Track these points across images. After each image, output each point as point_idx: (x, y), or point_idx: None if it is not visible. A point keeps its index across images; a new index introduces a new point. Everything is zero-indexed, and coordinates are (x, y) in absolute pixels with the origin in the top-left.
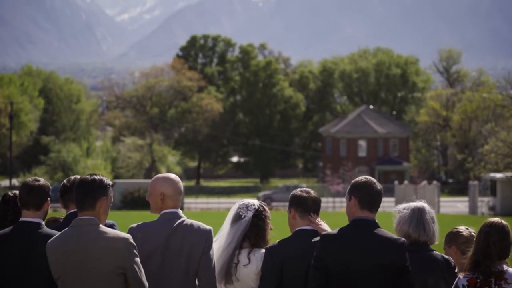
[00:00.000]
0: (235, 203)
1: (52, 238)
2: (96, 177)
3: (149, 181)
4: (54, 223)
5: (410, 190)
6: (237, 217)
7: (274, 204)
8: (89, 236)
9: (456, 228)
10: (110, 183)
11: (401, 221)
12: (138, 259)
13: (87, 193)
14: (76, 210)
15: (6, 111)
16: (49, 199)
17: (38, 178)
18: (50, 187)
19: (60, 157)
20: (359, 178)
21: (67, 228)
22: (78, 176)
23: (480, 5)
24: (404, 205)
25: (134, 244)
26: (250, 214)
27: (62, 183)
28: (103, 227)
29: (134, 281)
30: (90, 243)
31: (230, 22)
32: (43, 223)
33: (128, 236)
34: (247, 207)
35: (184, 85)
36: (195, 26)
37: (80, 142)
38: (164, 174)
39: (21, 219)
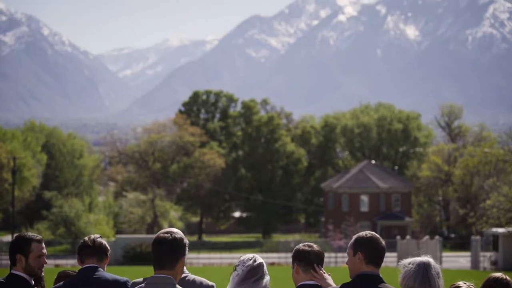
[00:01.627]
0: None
1: None
2: (176, 236)
3: (151, 236)
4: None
5: (412, 245)
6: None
7: None
8: None
9: (454, 284)
10: (187, 241)
11: (407, 276)
12: None
13: (169, 253)
14: (89, 265)
15: (8, 166)
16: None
17: (27, 232)
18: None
19: (62, 212)
20: (363, 233)
21: (142, 285)
22: (98, 235)
23: (481, 61)
24: (409, 259)
25: None
26: (245, 269)
27: (82, 240)
28: (178, 287)
29: None
30: None
31: (232, 77)
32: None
33: None
34: (243, 263)
35: (186, 140)
36: (197, 81)
37: (83, 197)
38: (167, 229)
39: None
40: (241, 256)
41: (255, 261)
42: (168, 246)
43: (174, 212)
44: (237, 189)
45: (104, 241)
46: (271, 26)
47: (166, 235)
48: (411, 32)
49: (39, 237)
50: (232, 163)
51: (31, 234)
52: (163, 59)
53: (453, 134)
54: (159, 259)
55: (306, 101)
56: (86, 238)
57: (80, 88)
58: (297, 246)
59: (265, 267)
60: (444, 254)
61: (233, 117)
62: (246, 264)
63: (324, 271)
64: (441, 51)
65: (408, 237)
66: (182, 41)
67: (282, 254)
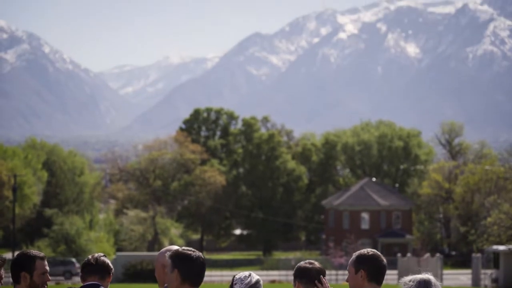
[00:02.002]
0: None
1: None
2: (200, 254)
3: (151, 253)
4: None
5: (413, 262)
6: None
7: None
8: None
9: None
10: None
11: None
12: None
13: (203, 269)
14: (90, 283)
15: (9, 183)
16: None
17: (29, 250)
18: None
19: (63, 230)
20: (365, 251)
21: None
22: (101, 254)
23: (481, 79)
24: (410, 277)
25: None
26: (244, 287)
27: (87, 258)
28: None
29: None
30: None
31: (233, 95)
32: None
33: None
34: (242, 280)
35: (187, 157)
36: (198, 99)
37: (83, 214)
38: (167, 247)
39: None
40: (235, 275)
41: (253, 278)
42: (202, 263)
43: (175, 230)
44: (238, 207)
45: (107, 260)
46: (272, 43)
47: (195, 253)
48: (412, 49)
49: (42, 254)
50: (232, 180)
51: (35, 251)
52: (164, 76)
53: (454, 151)
54: (198, 276)
55: (306, 118)
56: (89, 257)
57: (81, 105)
58: (298, 264)
59: (261, 284)
60: (445, 271)
61: (234, 135)
62: (245, 282)
63: (328, 285)
64: (441, 68)
65: (408, 254)
66: (183, 59)
67: (283, 272)
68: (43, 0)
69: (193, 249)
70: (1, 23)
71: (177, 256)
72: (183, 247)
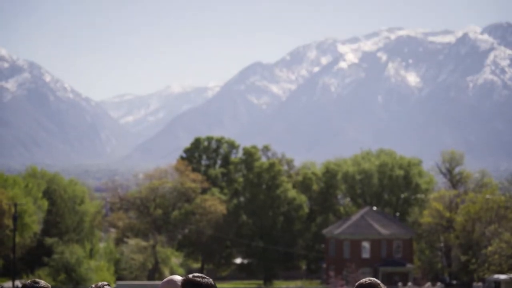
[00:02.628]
0: None
1: None
2: (209, 280)
3: (152, 282)
4: None
5: None
6: None
7: None
8: None
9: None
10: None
11: None
12: None
13: None
14: None
15: (10, 212)
16: None
17: (38, 280)
18: None
19: (64, 259)
20: (363, 280)
21: None
22: (105, 283)
23: (482, 108)
24: None
25: None
26: None
27: (90, 287)
28: None
29: None
30: None
31: (234, 124)
32: None
33: None
34: None
35: (187, 186)
36: (198, 128)
37: (84, 243)
38: (169, 277)
39: None
40: None
41: None
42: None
43: (175, 259)
44: (238, 236)
45: None
46: (272, 72)
47: (205, 279)
48: (412, 78)
49: (48, 285)
50: (233, 209)
51: (42, 282)
52: (164, 105)
53: (455, 180)
54: None
55: (307, 147)
56: (93, 286)
57: (82, 134)
58: None
59: None
60: None
61: (235, 164)
62: None
63: None
64: (442, 97)
65: (410, 283)
66: (184, 88)
67: None
68: (44, 29)
69: (203, 276)
70: (2, 52)
71: (188, 283)
72: (194, 274)
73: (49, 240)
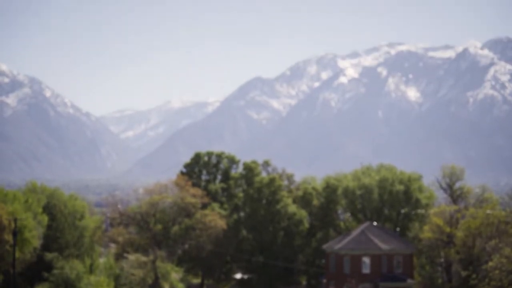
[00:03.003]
0: None
1: None
2: None
3: None
4: None
5: None
6: None
7: None
8: None
9: None
10: None
11: None
12: None
13: None
14: None
15: (10, 227)
16: None
17: None
18: None
19: (63, 274)
20: None
21: None
22: None
23: (482, 123)
24: None
25: None
26: None
27: None
28: None
29: None
30: None
31: (234, 139)
32: None
33: None
34: None
35: (187, 201)
36: (199, 143)
37: (84, 258)
38: None
39: None
40: None
41: None
42: None
43: (176, 274)
44: (239, 251)
45: None
46: (272, 87)
47: None
48: (412, 94)
49: None
50: (233, 224)
51: None
52: (165, 120)
53: (455, 195)
54: None
55: (307, 162)
56: None
57: (82, 149)
58: None
59: None
60: None
61: (235, 179)
62: None
63: None
64: (442, 112)
65: None
66: (184, 103)
67: None
68: (45, 45)
69: None
70: (2, 67)
71: None
72: None
73: (49, 255)
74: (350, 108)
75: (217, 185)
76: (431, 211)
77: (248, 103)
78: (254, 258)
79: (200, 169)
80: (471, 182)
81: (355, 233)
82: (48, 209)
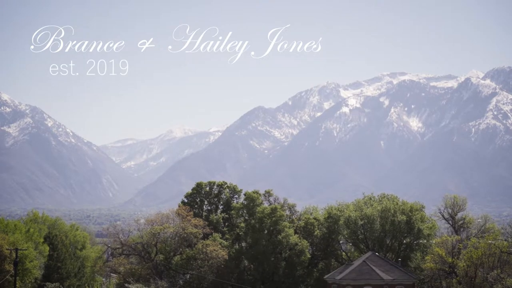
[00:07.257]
0: None
1: None
2: None
3: None
4: None
5: None
6: None
7: None
8: None
9: None
10: None
11: None
12: None
13: None
14: None
15: (11, 257)
16: None
17: None
18: None
19: None
20: None
21: None
22: None
23: (484, 153)
24: None
25: None
26: None
27: None
28: None
29: None
30: None
31: (236, 169)
32: None
33: None
34: None
35: (189, 232)
36: (200, 173)
37: None
38: None
39: None
40: None
41: None
42: None
43: None
44: (240, 281)
45: None
46: (274, 117)
47: None
48: (414, 123)
49: None
50: (235, 255)
51: None
52: (166, 150)
53: (457, 225)
54: None
55: (309, 192)
56: None
57: (84, 179)
58: None
59: None
60: None
61: (236, 209)
62: None
63: None
64: (444, 142)
65: None
66: (185, 133)
67: None
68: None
69: None
70: (4, 97)
71: None
72: None
73: (50, 286)
74: (352, 137)
75: (218, 215)
76: (433, 241)
77: (250, 132)
78: None
79: (202, 199)
80: (473, 212)
81: (357, 263)
82: (50, 239)
